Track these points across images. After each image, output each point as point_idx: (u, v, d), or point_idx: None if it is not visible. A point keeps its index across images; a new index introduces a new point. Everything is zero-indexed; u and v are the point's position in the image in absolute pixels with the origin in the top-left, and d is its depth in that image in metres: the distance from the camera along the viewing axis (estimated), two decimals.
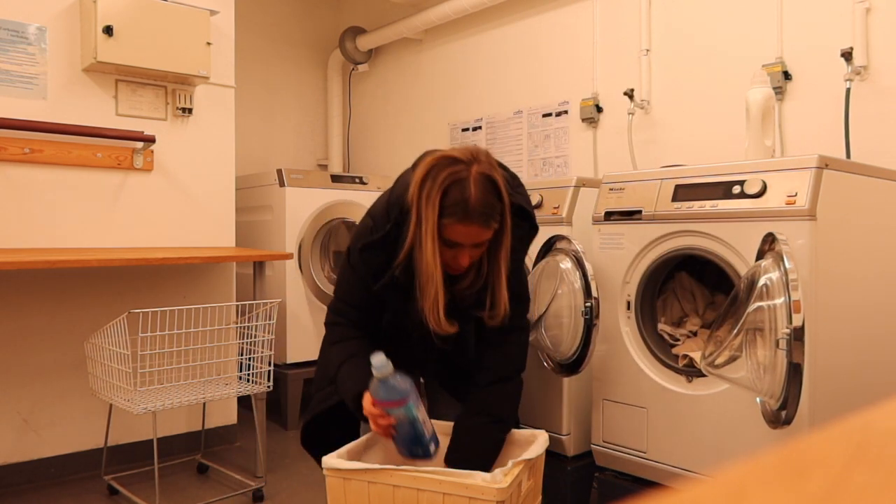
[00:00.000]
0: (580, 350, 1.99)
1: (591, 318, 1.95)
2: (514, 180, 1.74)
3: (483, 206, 1.53)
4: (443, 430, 1.77)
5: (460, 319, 1.67)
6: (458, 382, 1.85)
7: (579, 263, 2.01)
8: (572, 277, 2.01)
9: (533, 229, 1.78)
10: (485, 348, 1.74)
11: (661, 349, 1.94)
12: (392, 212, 1.65)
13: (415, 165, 1.69)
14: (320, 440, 1.83)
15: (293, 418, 3.27)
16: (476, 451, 1.65)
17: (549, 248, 2.14)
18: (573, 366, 2.03)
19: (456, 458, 1.63)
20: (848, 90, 2.23)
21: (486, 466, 1.60)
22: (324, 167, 4.45)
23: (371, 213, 1.75)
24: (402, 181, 1.68)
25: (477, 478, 1.37)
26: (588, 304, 1.96)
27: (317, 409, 1.83)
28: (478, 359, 1.75)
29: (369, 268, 1.69)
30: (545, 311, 2.05)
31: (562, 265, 2.04)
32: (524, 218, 1.71)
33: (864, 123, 2.22)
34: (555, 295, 2.03)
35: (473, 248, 1.59)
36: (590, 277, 1.96)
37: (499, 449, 1.70)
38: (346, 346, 1.74)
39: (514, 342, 1.77)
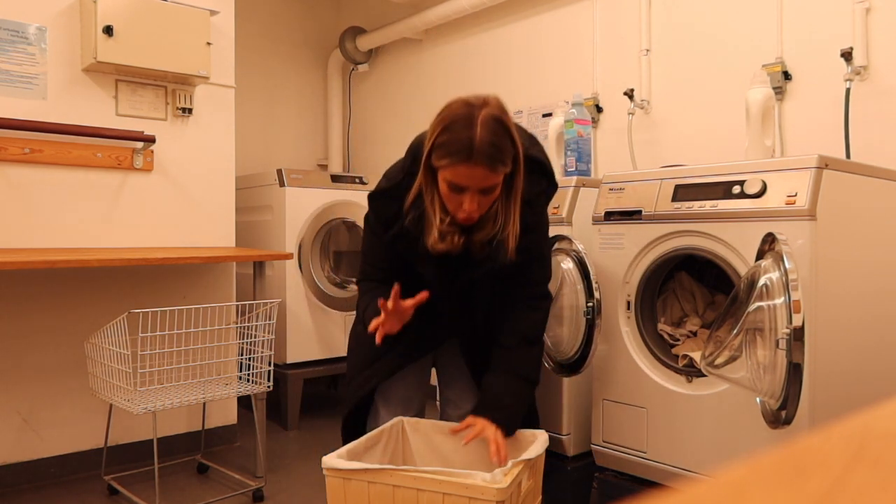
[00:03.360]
0: (582, 350, 1.99)
1: (592, 319, 1.95)
2: (532, 139, 1.73)
3: (489, 146, 1.46)
4: (448, 430, 1.77)
5: (474, 270, 1.68)
6: (475, 353, 1.84)
7: (581, 264, 2.00)
8: (574, 277, 2.01)
9: (552, 186, 1.74)
10: (511, 312, 1.74)
11: (661, 349, 1.94)
12: (406, 162, 1.65)
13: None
14: (359, 430, 1.86)
15: (293, 418, 3.27)
16: (505, 405, 1.65)
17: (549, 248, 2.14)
18: (574, 366, 2.04)
19: (485, 412, 1.63)
20: (848, 90, 2.23)
21: (514, 422, 1.63)
22: (324, 167, 4.45)
23: (386, 172, 1.77)
24: (420, 136, 1.67)
25: (477, 478, 1.37)
26: (590, 305, 1.96)
27: (353, 400, 1.86)
28: (504, 321, 1.74)
29: (380, 217, 1.69)
30: None
31: (563, 265, 2.04)
32: (542, 173, 1.68)
33: (864, 123, 2.22)
34: (556, 295, 2.03)
35: (481, 195, 1.52)
36: (592, 278, 1.96)
37: (524, 406, 1.71)
38: (371, 294, 1.75)
39: (540, 308, 1.78)
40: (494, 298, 1.76)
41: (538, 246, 1.75)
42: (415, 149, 1.63)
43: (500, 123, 1.50)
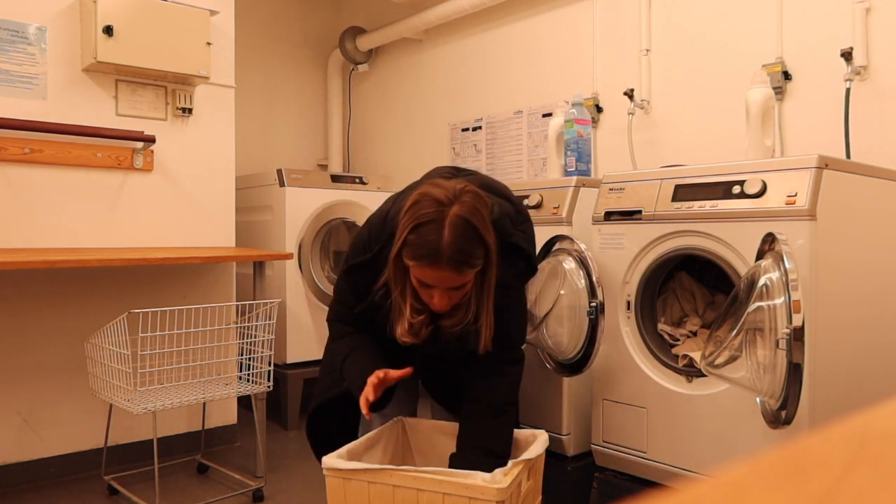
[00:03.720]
0: (584, 350, 1.99)
1: (596, 318, 1.95)
2: (519, 216, 1.70)
3: (456, 252, 1.45)
4: (447, 430, 1.77)
5: (443, 349, 1.68)
6: (449, 395, 1.87)
7: (583, 264, 2.00)
8: (575, 277, 2.00)
9: (530, 269, 1.73)
10: (477, 378, 1.68)
11: (661, 349, 1.94)
12: (385, 231, 1.64)
13: (419, 183, 1.68)
14: (322, 433, 1.86)
15: (293, 418, 3.27)
16: None
17: (550, 248, 2.14)
18: (576, 366, 2.04)
19: None
20: (848, 90, 2.23)
21: None
22: (324, 167, 4.45)
23: (369, 224, 1.74)
24: (403, 198, 1.65)
25: (477, 478, 1.37)
26: (593, 304, 1.96)
27: (320, 399, 1.86)
28: (470, 388, 1.69)
29: (354, 288, 1.72)
30: (549, 312, 2.05)
31: (565, 265, 2.04)
32: (521, 257, 1.67)
33: (864, 123, 2.22)
34: (559, 295, 2.03)
35: (451, 291, 1.53)
36: (595, 278, 1.96)
37: None
38: (348, 340, 1.77)
39: (508, 373, 1.71)
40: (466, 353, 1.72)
41: (514, 325, 1.72)
42: (394, 218, 1.61)
43: (470, 225, 1.47)
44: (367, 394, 1.58)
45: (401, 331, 1.60)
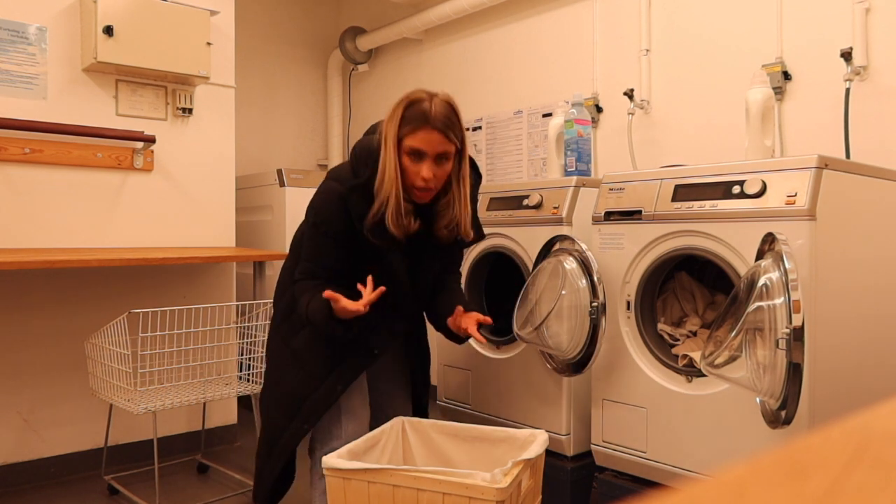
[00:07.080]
0: (585, 350, 1.99)
1: (597, 318, 1.95)
2: None
3: (442, 116, 1.68)
4: (447, 430, 1.77)
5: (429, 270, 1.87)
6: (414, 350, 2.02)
7: (584, 264, 2.00)
8: (576, 277, 2.00)
9: (479, 177, 1.95)
10: (443, 289, 1.96)
11: (661, 349, 1.94)
12: (368, 162, 1.75)
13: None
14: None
15: None
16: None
17: (550, 247, 2.14)
18: (577, 366, 2.04)
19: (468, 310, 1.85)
20: (848, 90, 2.23)
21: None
22: (324, 167, 4.45)
23: (333, 177, 1.81)
24: (362, 143, 1.83)
25: (477, 478, 1.37)
26: (595, 304, 1.96)
27: (322, 411, 1.79)
28: (438, 296, 1.95)
29: (354, 210, 1.72)
30: (550, 312, 2.05)
31: (566, 265, 2.04)
32: (473, 167, 1.88)
33: (864, 123, 2.22)
34: (560, 295, 2.02)
35: (436, 164, 1.70)
36: (596, 278, 1.96)
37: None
38: (315, 288, 1.74)
39: (459, 282, 2.06)
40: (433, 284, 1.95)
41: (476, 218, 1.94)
42: (366, 150, 1.78)
43: (451, 105, 1.73)
44: (346, 305, 1.61)
45: (391, 219, 1.69)
